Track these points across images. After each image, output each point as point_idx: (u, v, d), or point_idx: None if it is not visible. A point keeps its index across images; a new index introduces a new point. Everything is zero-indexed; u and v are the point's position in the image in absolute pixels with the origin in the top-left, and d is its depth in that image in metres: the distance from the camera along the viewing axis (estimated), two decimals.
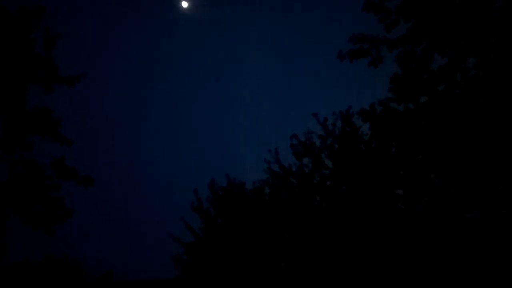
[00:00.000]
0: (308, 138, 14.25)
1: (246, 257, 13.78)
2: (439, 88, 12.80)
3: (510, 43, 11.52)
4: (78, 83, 13.52)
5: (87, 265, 15.06)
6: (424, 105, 12.88)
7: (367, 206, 13.32)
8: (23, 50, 13.20)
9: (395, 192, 13.53)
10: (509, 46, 11.53)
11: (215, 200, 14.96)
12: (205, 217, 14.85)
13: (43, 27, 13.33)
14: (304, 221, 13.64)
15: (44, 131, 13.39)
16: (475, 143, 12.38)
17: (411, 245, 12.87)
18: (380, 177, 13.42)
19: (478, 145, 12.36)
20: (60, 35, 13.50)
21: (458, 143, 12.54)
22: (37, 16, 13.22)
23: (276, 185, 14.41)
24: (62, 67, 13.60)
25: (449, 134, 12.61)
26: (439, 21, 12.61)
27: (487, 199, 12.42)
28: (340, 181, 13.67)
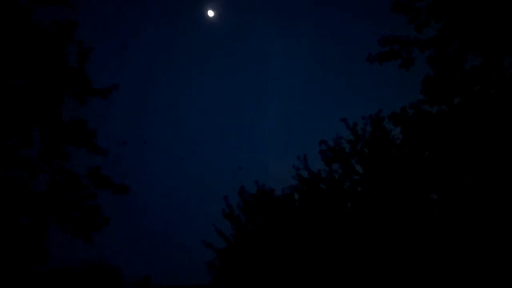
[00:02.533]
0: (337, 143, 14.10)
1: (277, 263, 13.84)
2: (474, 89, 12.39)
3: None
4: (110, 95, 13.96)
5: (125, 271, 15.57)
6: (457, 106, 12.51)
7: (400, 211, 13.07)
8: (58, 64, 13.67)
9: (429, 197, 13.23)
10: None
11: (246, 207, 15.05)
12: (236, 224, 14.99)
13: (76, 41, 13.75)
14: (334, 227, 13.54)
15: (79, 142, 13.86)
16: None
17: (447, 251, 12.56)
18: (413, 182, 13.14)
19: None
20: (93, 49, 13.92)
21: (494, 145, 12.12)
22: (70, 30, 13.63)
23: (306, 191, 14.34)
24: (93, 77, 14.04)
25: (485, 136, 12.20)
26: (472, 20, 12.20)
27: None
28: (371, 186, 13.46)
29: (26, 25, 13.32)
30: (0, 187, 13.29)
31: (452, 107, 12.56)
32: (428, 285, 12.45)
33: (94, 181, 13.85)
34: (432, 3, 12.29)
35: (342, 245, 13.36)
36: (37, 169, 13.63)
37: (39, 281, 13.81)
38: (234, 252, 14.54)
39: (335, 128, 14.31)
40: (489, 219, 12.36)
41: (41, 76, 13.59)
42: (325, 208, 13.79)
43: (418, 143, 13.03)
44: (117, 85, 13.87)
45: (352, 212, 13.61)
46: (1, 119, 13.18)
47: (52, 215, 13.79)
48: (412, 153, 13.22)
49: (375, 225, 13.14)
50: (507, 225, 12.30)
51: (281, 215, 14.30)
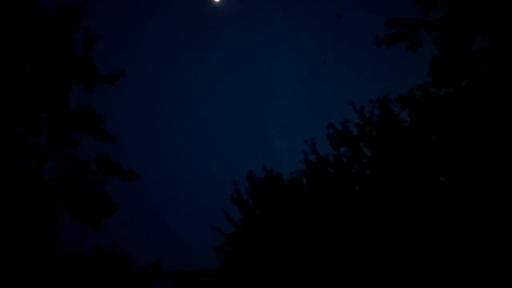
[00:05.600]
0: (345, 127, 14.12)
1: (286, 247, 13.89)
2: (481, 71, 12.38)
3: None
4: (117, 81, 13.99)
5: (135, 257, 15.62)
6: (465, 88, 12.51)
7: (409, 194, 13.11)
8: (64, 52, 13.70)
9: (437, 179, 13.24)
10: None
11: (254, 192, 15.09)
12: (244, 208, 15.01)
13: (82, 28, 13.77)
14: (343, 211, 13.59)
15: (87, 129, 13.92)
16: None
17: (455, 234, 12.59)
18: (421, 165, 13.15)
19: None
20: (99, 36, 13.93)
21: (502, 127, 12.13)
22: (76, 17, 13.65)
23: (314, 175, 14.35)
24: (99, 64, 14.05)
25: (493, 118, 12.20)
26: (479, 0, 12.17)
27: None
28: (379, 169, 13.49)
29: (33, 12, 13.35)
30: (10, 174, 13.37)
31: (460, 89, 12.57)
32: (437, 267, 12.50)
33: (103, 167, 13.94)
34: None
35: (350, 228, 13.40)
36: (45, 156, 13.72)
37: (48, 267, 13.90)
38: (243, 236, 14.60)
39: (342, 111, 14.36)
40: (498, 201, 12.36)
41: (48, 64, 13.63)
42: (333, 192, 13.82)
43: (426, 126, 13.04)
44: (124, 71, 13.92)
45: (360, 196, 13.65)
46: (9, 106, 13.24)
47: (61, 202, 13.90)
48: (420, 135, 13.22)
49: (383, 208, 13.18)
50: None
51: (289, 199, 14.34)
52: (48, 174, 13.82)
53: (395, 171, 13.34)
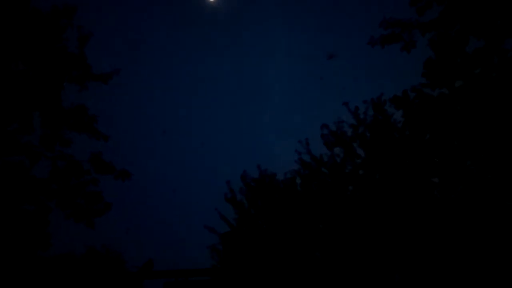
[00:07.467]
0: (339, 127, 14.11)
1: (280, 247, 13.92)
2: (475, 72, 12.42)
3: None
4: (111, 80, 13.92)
5: (128, 256, 15.64)
6: (459, 89, 12.56)
7: (402, 195, 13.14)
8: (57, 50, 13.61)
9: (430, 180, 13.28)
10: None
11: (248, 191, 15.07)
12: (238, 208, 15.00)
13: (75, 26, 13.67)
14: (337, 211, 13.61)
15: (80, 128, 13.86)
16: None
17: (447, 234, 12.66)
18: (415, 165, 13.18)
19: None
20: (93, 34, 13.84)
21: (495, 128, 12.18)
22: (69, 15, 13.55)
23: (308, 175, 14.35)
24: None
25: (486, 119, 12.25)
26: (474, 1, 12.20)
27: None
28: (373, 170, 13.51)
29: (26, 10, 13.24)
30: (2, 173, 13.30)
31: (454, 90, 12.61)
32: (430, 266, 12.57)
33: (96, 166, 13.90)
34: None
35: (344, 228, 13.43)
36: (38, 155, 13.68)
37: (41, 266, 13.88)
38: (236, 236, 14.60)
39: (337, 112, 14.35)
40: (490, 202, 12.42)
41: (41, 62, 13.55)
42: (327, 192, 13.83)
43: (419, 126, 13.08)
44: (118, 70, 13.86)
45: (354, 196, 13.66)
46: (1, 105, 13.15)
47: (54, 201, 13.86)
48: (413, 136, 13.24)
49: (377, 208, 13.20)
50: (508, 207, 12.36)
51: (283, 199, 14.34)
52: (41, 173, 13.79)
53: (388, 171, 13.35)
